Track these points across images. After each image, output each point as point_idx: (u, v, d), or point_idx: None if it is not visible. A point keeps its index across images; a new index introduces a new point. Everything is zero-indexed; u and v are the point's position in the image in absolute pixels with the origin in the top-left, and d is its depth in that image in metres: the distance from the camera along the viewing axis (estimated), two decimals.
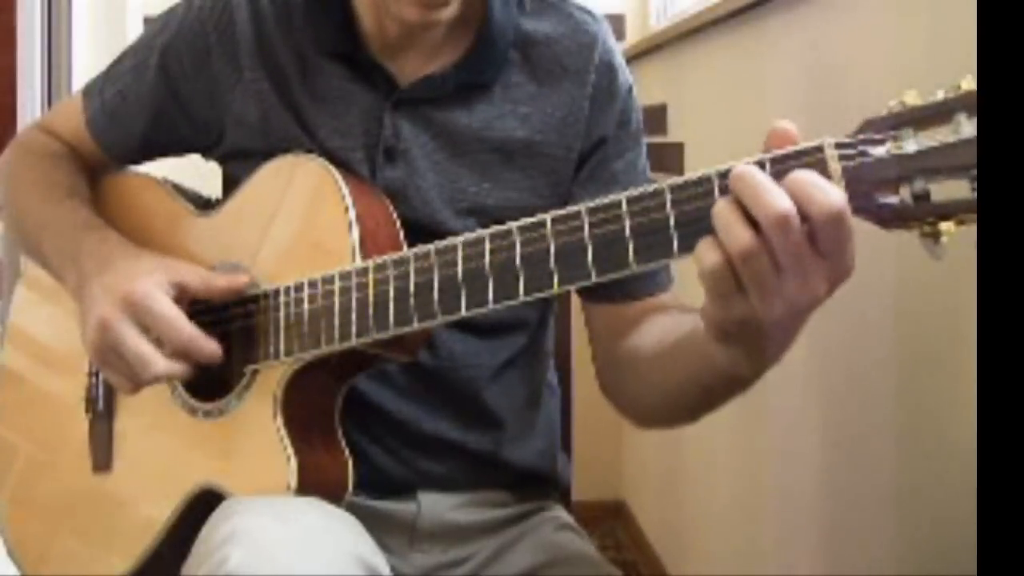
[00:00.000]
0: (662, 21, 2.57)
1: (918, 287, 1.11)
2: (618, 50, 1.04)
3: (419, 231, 0.92)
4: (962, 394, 1.00)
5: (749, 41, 1.73)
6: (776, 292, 0.64)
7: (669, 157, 2.15)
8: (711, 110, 1.99)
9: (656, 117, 2.26)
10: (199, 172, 1.14)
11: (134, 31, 2.44)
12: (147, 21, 2.42)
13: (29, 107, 2.33)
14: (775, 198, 0.62)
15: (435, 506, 1.02)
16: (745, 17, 1.71)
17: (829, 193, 0.62)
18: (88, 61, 2.40)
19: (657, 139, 2.21)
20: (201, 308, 0.95)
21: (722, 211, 0.65)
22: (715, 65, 1.97)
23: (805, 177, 0.63)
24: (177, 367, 0.89)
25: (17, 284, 1.17)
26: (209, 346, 0.89)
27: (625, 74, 1.03)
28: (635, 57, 2.44)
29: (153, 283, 0.89)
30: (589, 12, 1.04)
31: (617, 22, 2.66)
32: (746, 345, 0.71)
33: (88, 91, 1.11)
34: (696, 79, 2.11)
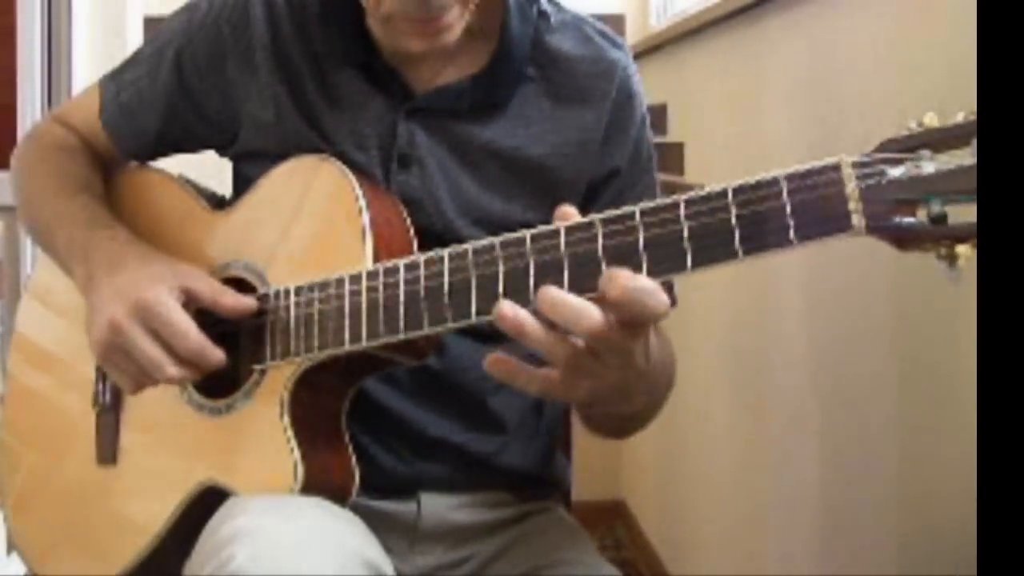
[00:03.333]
0: (662, 21, 2.57)
1: (918, 288, 1.11)
2: (637, 77, 1.04)
3: (431, 237, 0.92)
4: (962, 395, 1.00)
5: (749, 41, 1.73)
6: (602, 370, 0.73)
7: (669, 157, 2.16)
8: (711, 110, 1.99)
9: (656, 117, 2.25)
10: (210, 170, 1.14)
11: (134, 31, 2.44)
12: (147, 22, 2.42)
13: (29, 107, 2.33)
14: (591, 317, 0.69)
15: (436, 507, 1.02)
16: (745, 17, 1.71)
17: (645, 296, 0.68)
18: (88, 61, 2.39)
19: (657, 139, 2.21)
20: None
21: (543, 337, 0.70)
22: (715, 65, 1.97)
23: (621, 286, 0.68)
24: (185, 372, 0.90)
25: (24, 294, 1.18)
26: (216, 355, 0.90)
27: (642, 104, 1.04)
28: (635, 57, 2.43)
29: (164, 289, 0.89)
30: (611, 37, 1.04)
31: (617, 22, 2.67)
32: (607, 402, 0.79)
33: (103, 86, 1.11)
34: (696, 79, 2.12)
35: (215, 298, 0.92)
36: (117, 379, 0.94)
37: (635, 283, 0.68)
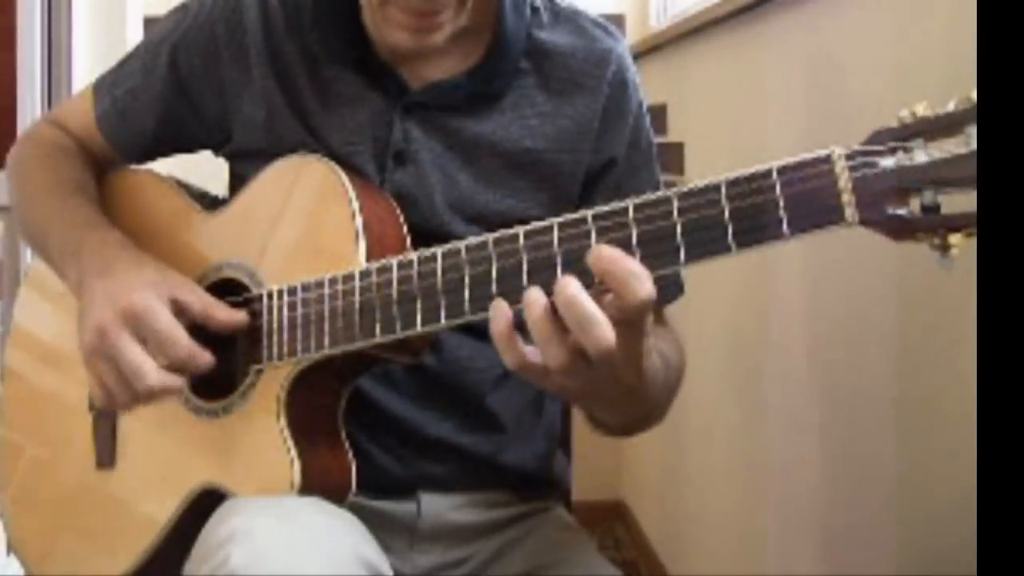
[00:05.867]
0: (662, 21, 2.57)
1: (919, 288, 1.11)
2: (632, 66, 1.04)
3: (426, 235, 0.92)
4: (962, 395, 1.00)
5: (749, 41, 1.73)
6: (588, 373, 0.71)
7: (669, 157, 2.15)
8: (711, 110, 1.99)
9: (656, 117, 2.25)
10: (206, 170, 1.14)
11: (134, 32, 2.44)
12: (147, 22, 2.42)
13: (29, 107, 2.32)
14: (602, 332, 0.67)
15: (435, 507, 1.02)
16: (745, 17, 1.71)
17: (639, 286, 0.67)
18: (88, 61, 2.39)
19: (657, 139, 2.21)
20: None
21: (542, 330, 0.70)
22: (715, 65, 1.97)
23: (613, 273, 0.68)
24: (171, 380, 0.88)
25: (21, 285, 1.17)
26: (205, 359, 0.89)
27: (638, 92, 1.04)
28: (635, 57, 2.43)
29: (155, 296, 0.89)
30: (604, 27, 1.04)
31: (617, 22, 2.66)
32: (601, 401, 0.79)
33: (98, 88, 1.11)
34: (696, 79, 2.12)
35: (206, 311, 0.91)
36: (94, 388, 0.91)
37: (626, 264, 0.68)
